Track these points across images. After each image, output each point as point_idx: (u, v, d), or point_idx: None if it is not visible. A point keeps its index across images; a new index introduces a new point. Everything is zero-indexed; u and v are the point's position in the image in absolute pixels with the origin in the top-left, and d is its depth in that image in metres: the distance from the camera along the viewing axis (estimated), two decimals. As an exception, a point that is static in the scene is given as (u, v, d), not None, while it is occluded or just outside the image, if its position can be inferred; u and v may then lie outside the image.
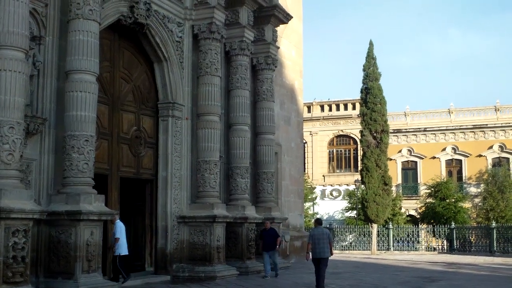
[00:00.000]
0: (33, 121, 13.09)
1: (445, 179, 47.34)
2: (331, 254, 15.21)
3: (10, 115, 11.70)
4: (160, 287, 15.94)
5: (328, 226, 39.54)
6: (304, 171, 37.26)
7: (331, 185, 53.50)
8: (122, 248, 15.06)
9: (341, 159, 54.54)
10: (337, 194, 53.05)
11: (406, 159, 52.31)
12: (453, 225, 40.08)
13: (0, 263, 11.16)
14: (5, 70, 11.73)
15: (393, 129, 47.19)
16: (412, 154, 51.85)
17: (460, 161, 50.90)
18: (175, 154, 18.19)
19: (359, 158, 45.07)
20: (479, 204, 47.75)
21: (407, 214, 49.94)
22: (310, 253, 15.31)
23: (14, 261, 11.36)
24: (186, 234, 17.93)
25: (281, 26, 23.44)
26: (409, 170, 52.41)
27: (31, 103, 13.21)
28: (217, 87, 18.71)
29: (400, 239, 41.50)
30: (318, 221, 16.06)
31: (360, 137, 39.55)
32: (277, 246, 19.15)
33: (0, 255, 11.18)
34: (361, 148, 39.12)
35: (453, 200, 44.96)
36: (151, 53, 18.01)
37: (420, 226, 44.31)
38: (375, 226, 37.76)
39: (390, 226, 40.80)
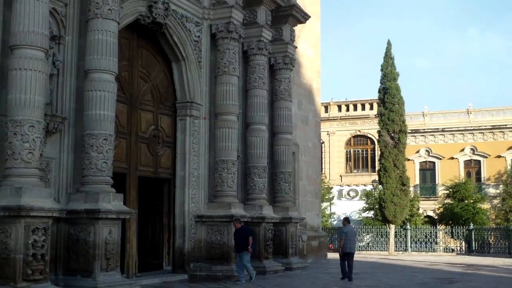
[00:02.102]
0: (52, 120, 13.18)
1: (463, 180, 47.03)
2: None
3: (30, 114, 11.78)
4: (177, 286, 15.98)
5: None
6: (321, 171, 37.15)
7: (348, 185, 53.39)
8: None
9: (358, 159, 54.42)
10: (354, 194, 52.91)
11: (424, 160, 52.03)
12: (471, 226, 39.79)
13: (20, 260, 11.24)
14: (25, 69, 11.81)
15: (411, 130, 46.94)
16: (430, 154, 51.55)
17: (479, 161, 50.50)
18: (193, 153, 18.23)
19: (377, 158, 44.93)
20: (498, 205, 47.39)
21: (425, 215, 49.68)
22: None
23: (34, 259, 11.44)
24: (203, 233, 17.94)
25: (299, 25, 23.39)
26: (427, 170, 52.12)
27: (51, 102, 13.29)
28: (235, 86, 18.73)
29: (418, 240, 41.26)
30: (347, 220, 18.75)
31: (377, 137, 39.38)
32: (249, 247, 16.64)
33: (20, 252, 11.26)
34: (379, 148, 38.92)
35: (471, 201, 44.64)
36: (169, 52, 18.06)
37: (438, 227, 44.03)
38: (392, 226, 37.57)
39: (408, 227, 40.59)
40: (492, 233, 39.77)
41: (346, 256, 17.86)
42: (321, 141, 37.13)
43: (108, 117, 13.59)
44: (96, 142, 13.37)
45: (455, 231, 40.30)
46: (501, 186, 47.95)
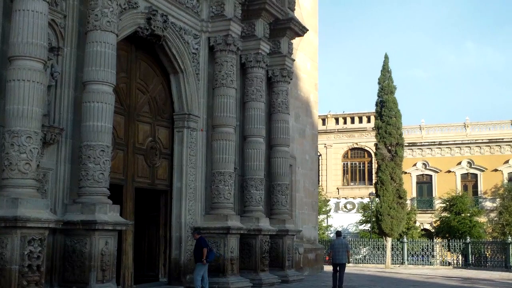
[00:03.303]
0: (50, 131, 13.19)
1: (460, 193, 47.03)
2: (348, 261, 19.44)
3: (27, 125, 11.80)
4: (173, 298, 15.91)
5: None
6: (318, 183, 37.17)
7: (345, 198, 53.36)
8: None
9: (355, 172, 54.42)
10: (351, 207, 52.87)
11: (421, 173, 52.05)
12: (468, 240, 39.75)
13: (15, 271, 11.21)
14: (23, 80, 11.84)
15: (408, 143, 47.02)
16: (427, 167, 51.60)
17: (476, 175, 50.56)
18: (190, 165, 18.24)
19: (374, 171, 44.93)
20: (495, 218, 47.35)
21: (422, 228, 49.64)
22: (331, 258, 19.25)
23: (29, 270, 11.42)
24: (200, 245, 17.90)
25: (297, 38, 23.48)
26: (424, 183, 52.14)
27: (49, 113, 13.31)
28: (232, 98, 18.78)
29: (415, 253, 41.21)
30: (338, 233, 20.27)
31: (374, 150, 39.43)
32: (203, 259, 15.81)
33: (16, 263, 11.24)
34: (376, 161, 38.97)
35: (468, 214, 44.61)
36: (168, 64, 18.12)
37: (435, 240, 43.99)
38: (389, 239, 37.54)
39: (405, 240, 40.55)
40: (489, 247, 39.72)
41: (338, 267, 18.93)
42: (318, 154, 37.18)
43: (105, 129, 13.61)
44: (94, 153, 13.38)
45: (451, 244, 40.27)
46: (497, 199, 47.95)
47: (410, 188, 49.47)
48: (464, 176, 50.95)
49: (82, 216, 13.05)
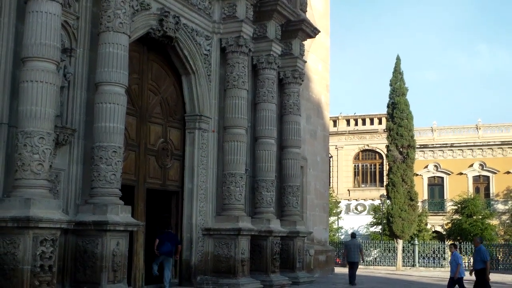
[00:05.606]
0: (62, 131, 13.24)
1: (472, 196, 46.79)
2: (362, 259, 22.94)
3: (40, 125, 11.84)
4: (184, 299, 15.93)
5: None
6: (329, 185, 37.08)
7: (356, 199, 53.22)
8: None
9: (366, 173, 54.28)
10: (362, 209, 52.73)
11: (433, 175, 51.82)
12: (480, 242, 39.50)
13: (27, 271, 11.25)
14: (36, 82, 11.88)
15: (419, 144, 46.81)
16: (439, 169, 51.36)
17: (488, 177, 50.28)
18: (201, 166, 18.26)
19: (385, 173, 44.78)
20: (507, 221, 47.12)
21: (433, 230, 49.43)
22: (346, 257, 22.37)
23: (41, 270, 11.45)
24: (210, 246, 17.94)
25: (309, 40, 23.45)
26: (436, 186, 51.90)
27: (61, 114, 13.35)
28: (244, 100, 18.78)
29: (426, 256, 41.02)
30: (353, 235, 23.37)
31: (386, 152, 39.31)
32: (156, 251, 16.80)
33: (28, 263, 11.28)
34: (387, 163, 38.84)
35: (480, 217, 44.39)
36: (179, 66, 18.16)
37: (446, 242, 43.78)
38: (400, 241, 37.39)
39: (416, 242, 40.38)
40: (501, 249, 39.58)
41: (352, 265, 21.62)
42: (329, 155, 37.09)
43: (117, 130, 13.65)
44: (105, 154, 13.42)
45: (463, 247, 40.06)
46: (510, 202, 47.73)
47: (422, 190, 49.28)
48: (476, 178, 50.69)
49: (94, 216, 13.09)
